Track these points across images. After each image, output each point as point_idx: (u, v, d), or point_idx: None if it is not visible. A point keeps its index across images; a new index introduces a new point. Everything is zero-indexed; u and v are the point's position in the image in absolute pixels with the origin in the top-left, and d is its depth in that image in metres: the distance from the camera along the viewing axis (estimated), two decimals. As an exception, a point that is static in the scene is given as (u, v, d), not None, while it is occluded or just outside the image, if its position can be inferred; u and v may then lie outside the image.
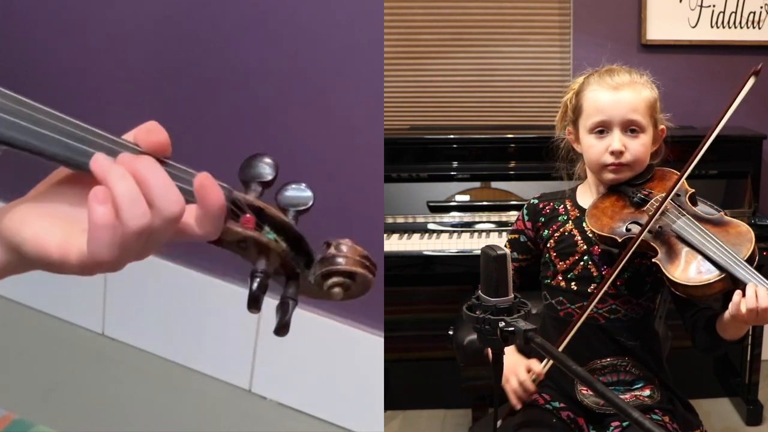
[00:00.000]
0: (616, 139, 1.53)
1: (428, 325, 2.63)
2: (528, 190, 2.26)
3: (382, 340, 2.28)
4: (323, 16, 2.09)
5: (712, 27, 2.78)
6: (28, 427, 1.31)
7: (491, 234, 2.40)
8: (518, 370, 1.55)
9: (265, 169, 0.98)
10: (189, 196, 0.89)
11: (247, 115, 2.22)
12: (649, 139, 1.56)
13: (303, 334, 2.22)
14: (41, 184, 0.91)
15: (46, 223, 0.86)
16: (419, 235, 2.40)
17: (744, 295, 1.35)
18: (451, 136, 2.57)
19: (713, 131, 1.49)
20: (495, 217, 2.43)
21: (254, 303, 0.92)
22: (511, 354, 1.55)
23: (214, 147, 2.27)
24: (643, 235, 1.46)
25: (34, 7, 2.33)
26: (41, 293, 2.53)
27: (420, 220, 2.43)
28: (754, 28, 2.78)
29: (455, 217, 2.45)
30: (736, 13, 2.77)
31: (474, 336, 1.49)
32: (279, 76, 2.17)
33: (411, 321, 2.67)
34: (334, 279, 0.96)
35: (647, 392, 1.58)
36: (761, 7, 2.77)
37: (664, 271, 1.43)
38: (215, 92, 2.24)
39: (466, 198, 2.47)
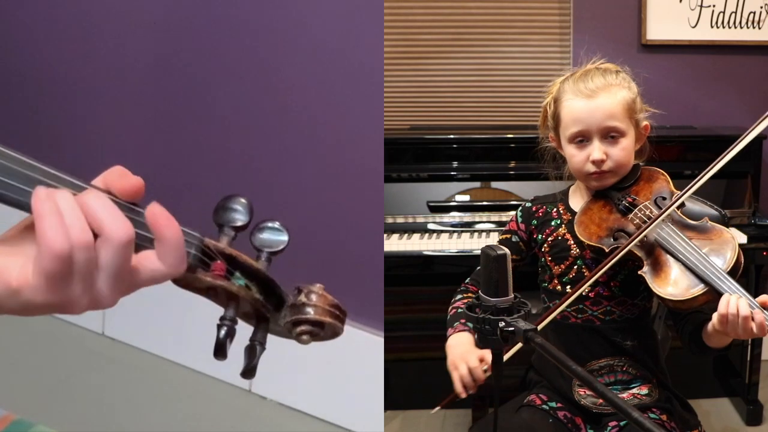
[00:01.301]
0: (595, 149, 1.51)
1: (428, 325, 2.62)
2: (528, 190, 2.27)
3: (382, 340, 2.28)
4: (323, 16, 2.09)
5: (712, 27, 2.78)
6: (28, 427, 1.31)
7: (491, 234, 2.40)
8: (469, 357, 1.51)
9: (238, 214, 0.98)
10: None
11: (247, 115, 2.22)
12: (631, 142, 1.54)
13: (303, 334, 2.22)
14: (10, 231, 0.91)
15: (10, 258, 0.87)
16: (419, 235, 2.40)
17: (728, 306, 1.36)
18: (451, 136, 2.57)
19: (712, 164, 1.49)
20: (495, 217, 2.43)
21: (220, 351, 0.95)
22: (463, 343, 1.55)
23: (212, 147, 2.27)
24: (628, 247, 1.47)
25: (25, 8, 2.33)
26: (41, 293, 2.53)
27: (420, 220, 2.43)
28: (754, 28, 2.78)
29: (455, 217, 2.45)
30: (736, 13, 2.77)
31: (474, 336, 1.50)
32: (279, 76, 2.17)
33: (411, 321, 2.67)
34: (303, 327, 0.98)
35: (645, 391, 1.58)
36: (761, 7, 2.77)
37: (650, 285, 1.45)
38: (214, 93, 2.24)
39: (466, 198, 2.47)
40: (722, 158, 1.49)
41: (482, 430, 1.76)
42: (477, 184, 2.49)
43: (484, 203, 2.46)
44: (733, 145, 1.49)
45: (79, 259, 0.85)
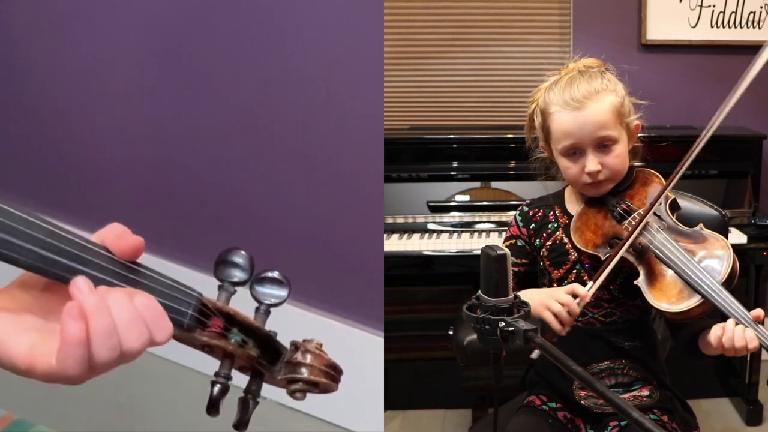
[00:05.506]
0: (590, 161, 1.49)
1: (428, 325, 2.63)
2: (528, 190, 2.27)
3: (382, 340, 2.28)
4: (323, 16, 2.09)
5: (712, 27, 2.78)
6: (28, 427, 1.31)
7: (491, 234, 2.40)
8: (557, 294, 1.45)
9: (238, 270, 1.00)
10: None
11: (247, 114, 2.22)
12: (624, 147, 1.52)
13: (303, 333, 2.22)
14: (11, 288, 0.90)
15: (15, 331, 0.86)
16: (419, 235, 2.40)
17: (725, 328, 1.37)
18: (451, 136, 2.57)
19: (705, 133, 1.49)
20: (495, 217, 2.43)
21: (213, 408, 0.97)
22: (541, 290, 1.51)
23: (211, 146, 2.27)
24: (623, 253, 1.46)
25: (25, 9, 2.33)
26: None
27: (420, 220, 2.44)
28: (754, 28, 2.78)
29: (455, 217, 2.45)
30: (736, 13, 2.77)
31: (474, 336, 1.50)
32: (279, 76, 2.17)
33: (411, 321, 2.67)
34: (297, 386, 1.00)
35: (646, 392, 1.58)
36: (761, 7, 2.77)
37: (645, 296, 1.44)
38: (213, 92, 2.24)
39: (466, 198, 2.47)
40: (693, 150, 1.49)
41: (482, 430, 1.76)
42: (477, 184, 2.49)
43: (484, 203, 2.46)
44: (701, 136, 1.50)
45: (105, 366, 0.86)
